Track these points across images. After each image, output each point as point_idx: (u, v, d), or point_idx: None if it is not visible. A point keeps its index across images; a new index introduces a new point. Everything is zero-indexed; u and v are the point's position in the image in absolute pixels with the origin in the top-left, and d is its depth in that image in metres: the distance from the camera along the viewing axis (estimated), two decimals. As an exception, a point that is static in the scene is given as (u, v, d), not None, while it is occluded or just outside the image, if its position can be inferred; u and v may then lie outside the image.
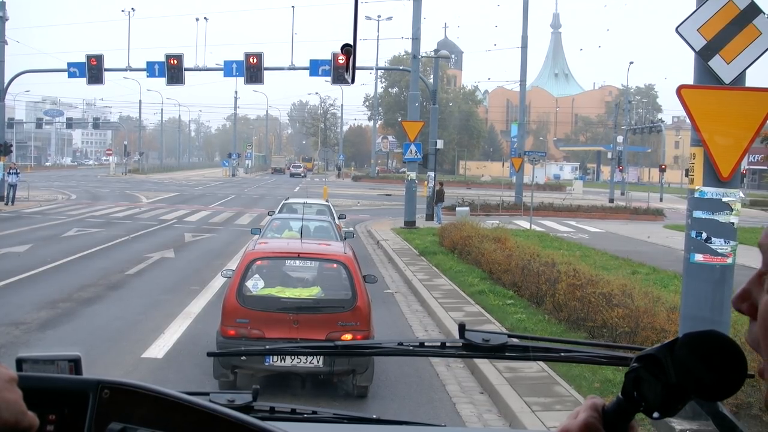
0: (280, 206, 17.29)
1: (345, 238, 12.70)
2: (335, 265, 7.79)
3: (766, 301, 0.88)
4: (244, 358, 6.76)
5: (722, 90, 5.95)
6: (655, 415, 1.02)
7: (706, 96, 5.97)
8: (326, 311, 7.30)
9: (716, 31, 5.87)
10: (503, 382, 7.46)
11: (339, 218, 16.98)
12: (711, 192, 6.05)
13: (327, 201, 19.95)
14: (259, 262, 7.66)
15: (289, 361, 6.91)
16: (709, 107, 5.92)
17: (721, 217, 6.06)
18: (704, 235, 6.09)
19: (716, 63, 5.91)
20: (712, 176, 6.01)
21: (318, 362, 6.89)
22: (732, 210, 6.07)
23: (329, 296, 7.48)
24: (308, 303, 7.29)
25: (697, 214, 6.12)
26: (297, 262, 7.88)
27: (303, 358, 6.86)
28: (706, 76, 6.00)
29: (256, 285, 7.43)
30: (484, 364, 7.86)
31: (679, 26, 5.98)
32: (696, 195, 6.13)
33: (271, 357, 6.85)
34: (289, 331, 7.00)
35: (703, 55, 5.94)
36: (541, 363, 7.70)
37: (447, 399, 7.44)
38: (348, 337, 6.97)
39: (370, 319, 7.36)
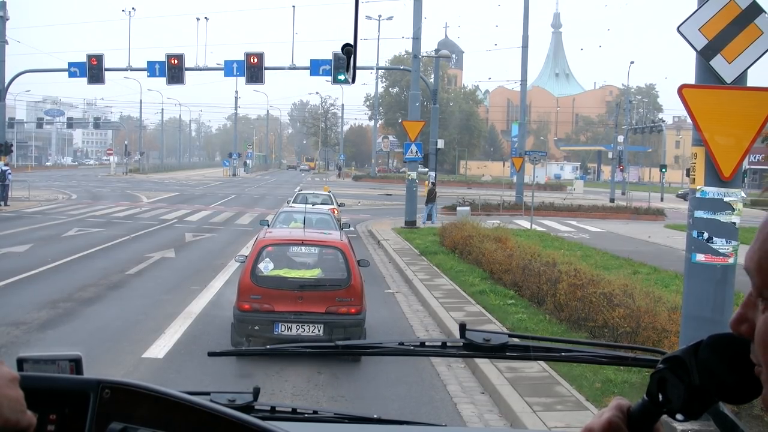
0: (294, 195, 23.27)
1: (342, 229, 14.01)
2: (333, 251, 9.01)
3: (762, 321, 0.89)
4: (257, 327, 8.10)
5: (723, 90, 5.94)
6: (679, 417, 1.00)
7: (707, 96, 5.96)
8: (326, 289, 8.52)
9: (717, 30, 5.86)
10: (504, 382, 7.46)
11: (339, 206, 22.47)
12: (712, 192, 6.04)
13: (329, 192, 25.79)
14: (269, 248, 8.89)
15: (294, 330, 8.13)
16: (710, 107, 5.91)
17: (723, 217, 6.05)
18: (706, 235, 6.07)
19: (717, 62, 5.90)
20: (714, 176, 6.00)
21: (319, 331, 8.17)
22: (733, 210, 6.06)
23: (328, 276, 8.69)
24: (311, 282, 8.51)
25: (699, 213, 6.11)
26: (301, 248, 9.15)
27: (306, 327, 8.15)
28: (708, 76, 5.99)
29: (266, 267, 8.64)
30: (485, 364, 7.86)
31: (680, 26, 5.97)
32: (697, 195, 6.12)
33: (280, 326, 8.10)
34: (295, 305, 8.24)
35: (705, 55, 5.94)
36: (542, 363, 7.69)
37: (448, 399, 7.44)
38: (344, 310, 8.33)
39: (363, 295, 8.60)
